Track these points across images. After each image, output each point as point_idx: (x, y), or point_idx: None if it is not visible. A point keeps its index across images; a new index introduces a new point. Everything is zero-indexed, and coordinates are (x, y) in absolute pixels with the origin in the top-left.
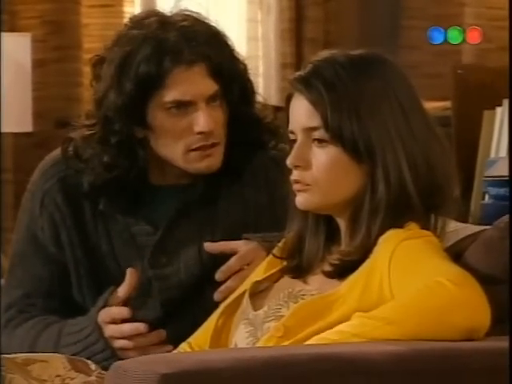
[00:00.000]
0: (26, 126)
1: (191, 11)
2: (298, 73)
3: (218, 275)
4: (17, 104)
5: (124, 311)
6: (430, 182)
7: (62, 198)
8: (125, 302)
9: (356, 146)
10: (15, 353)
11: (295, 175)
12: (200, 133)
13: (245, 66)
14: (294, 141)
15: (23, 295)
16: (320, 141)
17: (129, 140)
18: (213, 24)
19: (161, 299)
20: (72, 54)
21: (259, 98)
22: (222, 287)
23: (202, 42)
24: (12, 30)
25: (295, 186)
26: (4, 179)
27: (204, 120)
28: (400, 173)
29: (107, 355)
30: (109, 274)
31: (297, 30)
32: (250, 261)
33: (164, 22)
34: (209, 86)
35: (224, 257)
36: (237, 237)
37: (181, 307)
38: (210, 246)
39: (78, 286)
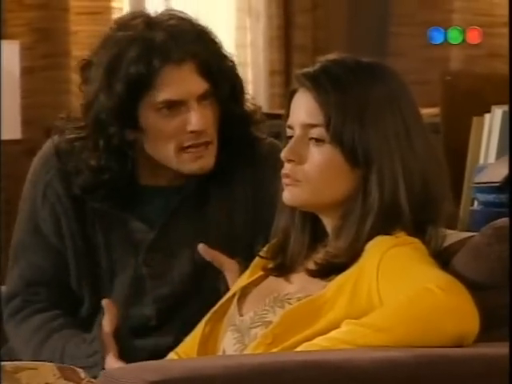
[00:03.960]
0: (15, 134)
1: (176, 11)
2: (305, 69)
3: None
4: (5, 111)
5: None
6: (423, 200)
7: (63, 189)
8: (115, 332)
9: (354, 150)
10: (21, 350)
11: (286, 168)
12: (192, 132)
13: (233, 63)
14: (291, 137)
15: (27, 284)
16: (317, 140)
17: (119, 143)
18: (199, 22)
19: (153, 297)
20: (60, 62)
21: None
22: None
23: (189, 40)
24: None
25: (285, 180)
26: None
27: (196, 119)
28: (395, 184)
29: None
30: (101, 268)
31: (285, 37)
32: None
33: (150, 22)
34: (199, 85)
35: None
36: (229, 237)
37: (173, 305)
38: (203, 249)
39: (76, 278)
